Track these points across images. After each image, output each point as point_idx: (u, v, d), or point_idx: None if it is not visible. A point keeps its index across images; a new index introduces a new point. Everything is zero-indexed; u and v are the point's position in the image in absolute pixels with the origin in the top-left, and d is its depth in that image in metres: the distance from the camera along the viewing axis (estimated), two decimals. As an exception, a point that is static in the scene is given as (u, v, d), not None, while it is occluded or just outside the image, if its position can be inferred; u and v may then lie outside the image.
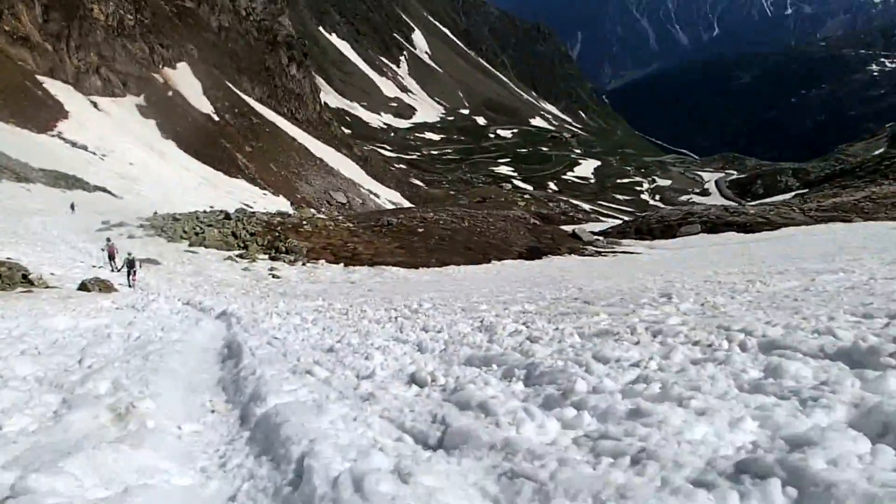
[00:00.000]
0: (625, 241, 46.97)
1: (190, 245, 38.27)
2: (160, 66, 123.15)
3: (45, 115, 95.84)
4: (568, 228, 55.09)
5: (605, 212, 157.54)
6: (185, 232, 41.36)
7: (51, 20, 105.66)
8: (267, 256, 36.91)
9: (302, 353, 7.65)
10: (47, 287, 19.75)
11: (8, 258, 22.63)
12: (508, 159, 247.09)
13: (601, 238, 49.14)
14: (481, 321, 10.21)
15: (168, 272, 29.95)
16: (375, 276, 31.70)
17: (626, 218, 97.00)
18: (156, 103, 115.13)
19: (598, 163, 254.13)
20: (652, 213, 55.77)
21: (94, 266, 28.99)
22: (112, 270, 28.36)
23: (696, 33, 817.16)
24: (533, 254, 40.07)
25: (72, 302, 16.20)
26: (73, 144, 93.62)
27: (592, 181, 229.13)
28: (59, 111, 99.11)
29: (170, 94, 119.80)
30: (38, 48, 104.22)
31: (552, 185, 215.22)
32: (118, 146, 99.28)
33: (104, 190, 78.07)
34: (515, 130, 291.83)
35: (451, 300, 16.78)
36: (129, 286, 25.19)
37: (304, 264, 35.32)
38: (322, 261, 36.18)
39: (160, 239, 39.74)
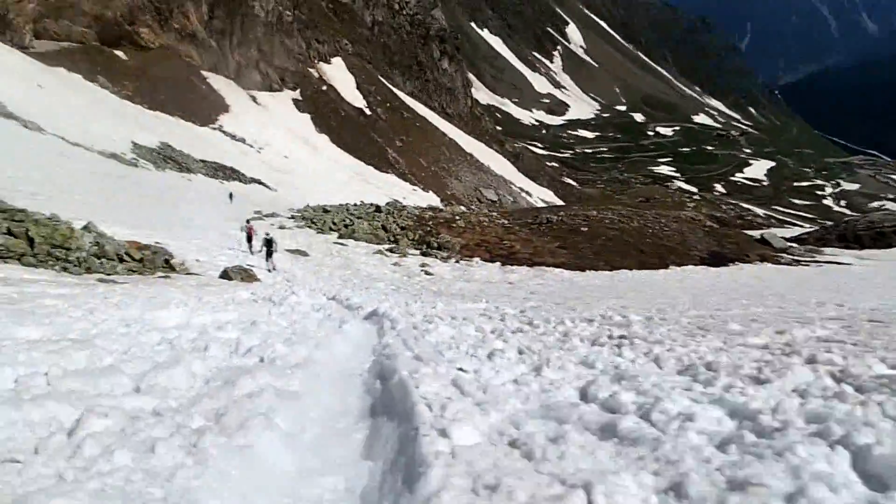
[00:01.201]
0: (826, 250, 40.42)
1: (339, 237, 36.21)
2: (316, 61, 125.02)
3: (207, 109, 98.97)
4: (751, 234, 48.80)
5: (783, 217, 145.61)
6: (334, 224, 39.49)
7: (215, 17, 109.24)
8: (418, 252, 34.06)
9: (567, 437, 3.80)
10: (188, 273, 17.57)
11: (157, 242, 20.86)
12: (669, 159, 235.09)
13: (795, 245, 42.74)
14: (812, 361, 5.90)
15: (316, 264, 27.64)
16: (536, 278, 27.98)
17: (807, 225, 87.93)
18: (311, 97, 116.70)
19: (772, 163, 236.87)
20: (857, 219, 48.30)
21: (230, 249, 27.77)
22: (251, 253, 27.35)
23: (887, 21, 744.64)
24: (717, 260, 34.85)
25: (208, 290, 13.82)
26: (233, 137, 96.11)
27: (765, 184, 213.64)
28: (220, 105, 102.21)
29: (324, 88, 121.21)
30: (204, 44, 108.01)
31: (719, 188, 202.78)
32: (274, 139, 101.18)
33: (259, 182, 79.13)
34: (677, 128, 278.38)
35: (656, 312, 12.67)
36: (269, 270, 24.10)
37: (457, 261, 32.16)
38: (476, 259, 32.89)
39: (310, 230, 38.05)
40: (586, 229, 39.10)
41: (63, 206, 25.32)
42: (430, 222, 40.32)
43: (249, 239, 28.44)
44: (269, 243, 25.24)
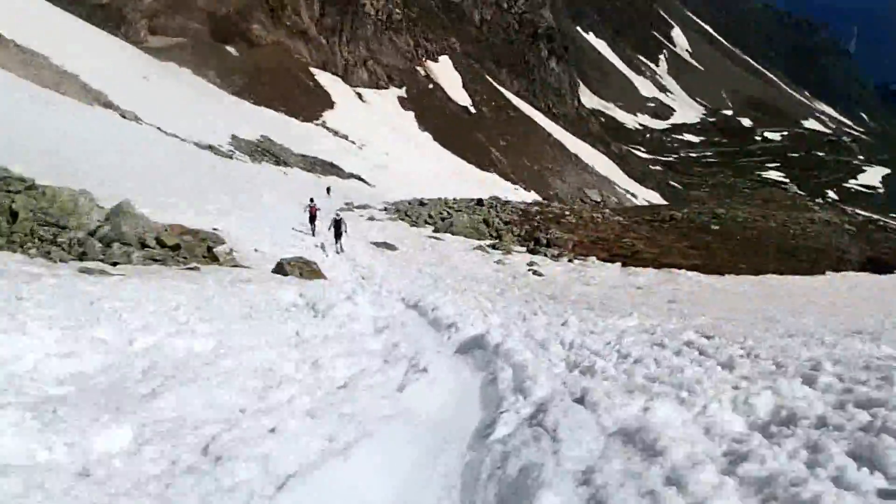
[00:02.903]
0: None
1: (435, 230, 32.71)
2: (423, 59, 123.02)
3: (313, 105, 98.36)
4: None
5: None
6: (430, 216, 36.14)
7: (326, 15, 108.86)
8: (524, 249, 30.15)
9: None
10: (235, 265, 14.34)
11: (214, 229, 18.01)
12: (778, 164, 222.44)
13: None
14: None
15: (404, 259, 23.92)
16: (668, 282, 23.51)
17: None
18: (416, 96, 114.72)
19: (887, 170, 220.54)
20: None
21: (293, 228, 26.11)
22: (312, 235, 25.79)
23: None
24: (879, 266, 29.39)
25: (235, 290, 10.21)
26: (335, 133, 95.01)
27: (881, 191, 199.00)
28: (326, 101, 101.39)
29: (430, 86, 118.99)
30: (314, 41, 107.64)
31: (831, 194, 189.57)
32: (377, 136, 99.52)
33: (358, 178, 77.52)
34: (785, 133, 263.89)
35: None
36: (337, 252, 22.72)
37: (570, 261, 27.99)
38: (592, 258, 28.64)
39: (403, 223, 34.77)
40: (717, 227, 34.19)
41: (124, 189, 22.98)
42: (538, 217, 36.35)
43: (313, 219, 26.58)
44: (337, 224, 23.53)
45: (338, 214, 24.43)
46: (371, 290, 14.42)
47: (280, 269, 14.74)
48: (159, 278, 10.12)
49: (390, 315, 10.36)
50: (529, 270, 24.82)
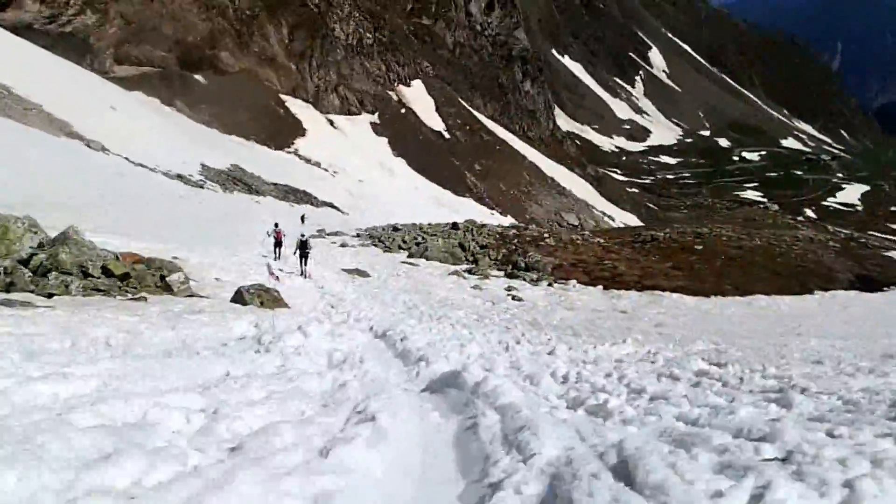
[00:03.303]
0: None
1: (409, 256, 31.45)
2: (395, 84, 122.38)
3: (284, 133, 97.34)
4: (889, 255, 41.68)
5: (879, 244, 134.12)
6: (404, 242, 34.91)
7: (295, 40, 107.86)
8: (502, 273, 28.94)
9: None
10: (191, 295, 13.05)
11: (174, 258, 16.74)
12: (756, 184, 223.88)
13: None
14: None
15: (376, 286, 22.58)
16: (653, 305, 22.45)
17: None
18: (389, 121, 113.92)
19: (866, 188, 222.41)
20: None
21: (261, 255, 25.67)
22: (275, 259, 25.22)
23: None
24: (868, 284, 28.46)
25: (179, 322, 8.88)
26: (308, 161, 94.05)
27: (860, 208, 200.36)
28: (297, 129, 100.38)
29: (403, 111, 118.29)
30: (283, 68, 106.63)
31: (810, 212, 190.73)
32: (350, 163, 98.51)
33: (331, 206, 76.42)
34: (763, 152, 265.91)
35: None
36: (303, 275, 22.22)
37: (550, 284, 26.81)
38: (573, 281, 27.47)
39: (376, 249, 33.53)
40: (701, 247, 33.19)
41: (80, 217, 21.64)
42: (516, 241, 35.18)
43: (278, 244, 25.83)
44: (303, 245, 22.79)
45: (303, 235, 23.57)
46: (339, 319, 13.25)
47: (239, 297, 13.49)
48: (94, 310, 8.80)
49: (351, 347, 9.10)
50: (508, 295, 23.64)
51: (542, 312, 19.87)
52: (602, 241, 37.28)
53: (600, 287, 26.39)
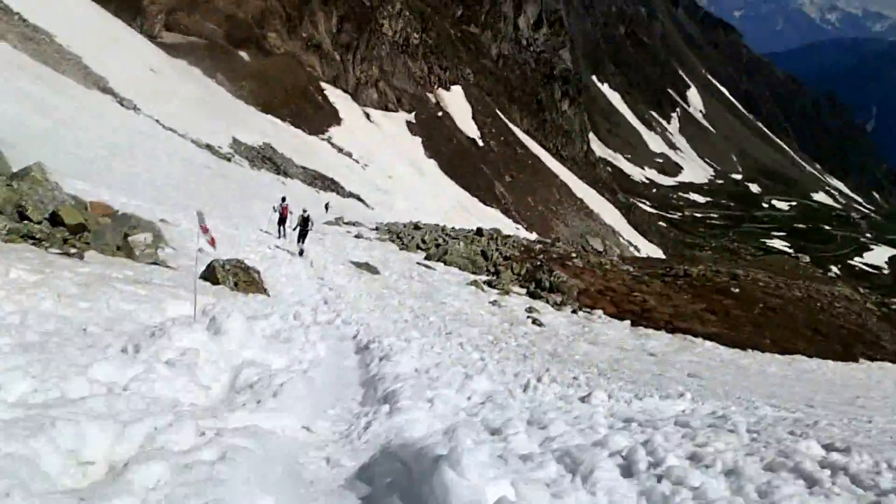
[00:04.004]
0: None
1: (427, 258, 29.70)
2: (435, 87, 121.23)
3: (319, 119, 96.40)
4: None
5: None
6: (423, 241, 33.32)
7: (343, 31, 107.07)
8: (524, 291, 27.24)
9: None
10: (152, 263, 11.21)
11: (162, 220, 15.33)
12: (784, 233, 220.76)
13: None
14: None
15: (384, 286, 20.70)
16: (685, 352, 20.66)
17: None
18: (425, 122, 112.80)
19: (894, 251, 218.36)
20: None
21: (261, 230, 25.02)
22: (279, 237, 24.61)
23: None
24: (914, 356, 26.43)
25: (86, 294, 7.11)
26: (340, 150, 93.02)
27: (886, 272, 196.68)
28: (333, 117, 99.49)
29: (440, 114, 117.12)
30: (328, 56, 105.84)
31: (835, 269, 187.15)
32: (382, 158, 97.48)
33: (357, 198, 75.32)
34: (794, 203, 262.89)
35: None
36: (300, 253, 21.71)
37: (574, 311, 25.00)
38: (598, 311, 25.67)
39: (392, 245, 31.86)
40: (738, 291, 31.32)
41: (82, 168, 20.58)
42: (541, 256, 33.60)
43: (282, 221, 25.07)
44: (304, 222, 22.25)
45: (304, 211, 22.84)
46: (325, 318, 11.43)
47: (210, 274, 11.66)
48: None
49: (289, 362, 6.79)
50: (529, 318, 21.87)
51: (563, 343, 18.13)
52: (631, 269, 35.56)
53: (628, 322, 24.51)
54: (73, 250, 9.40)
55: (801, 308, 30.29)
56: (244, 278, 11.85)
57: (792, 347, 23.31)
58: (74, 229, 10.02)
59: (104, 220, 11.09)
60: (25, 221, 9.42)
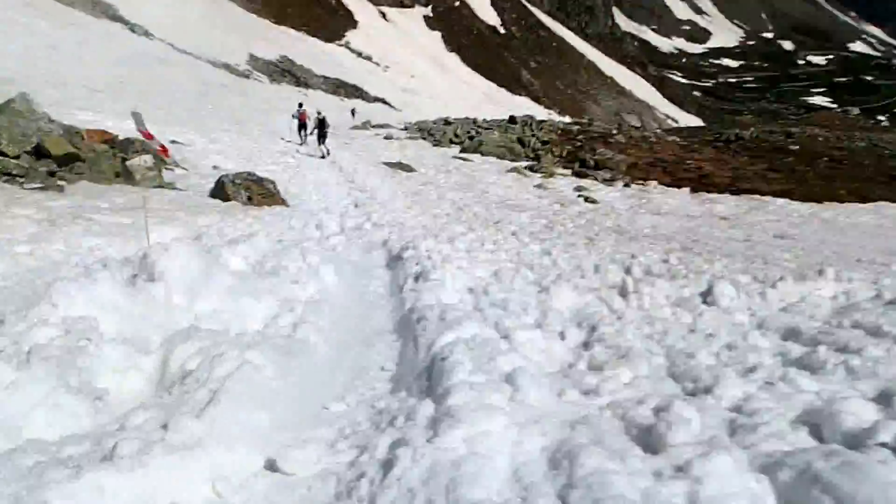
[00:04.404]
0: None
1: (462, 151, 28.32)
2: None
3: (335, 25, 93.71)
4: None
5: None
6: (456, 135, 31.92)
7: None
8: (569, 172, 25.78)
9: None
10: (160, 186, 10.20)
11: (173, 141, 14.23)
12: (823, 89, 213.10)
13: None
14: None
15: (421, 182, 19.29)
16: (756, 211, 19.14)
17: None
18: (442, 14, 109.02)
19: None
20: None
21: (283, 139, 24.55)
22: (300, 144, 24.08)
23: None
24: None
25: (68, 232, 6.11)
26: (359, 55, 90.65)
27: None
28: (348, 21, 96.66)
29: (457, 4, 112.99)
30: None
31: (881, 119, 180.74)
32: (402, 58, 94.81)
33: (383, 101, 73.67)
34: (830, 57, 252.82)
35: None
36: (323, 156, 21.50)
37: (626, 185, 23.57)
38: (653, 182, 24.15)
39: (424, 142, 30.64)
40: (796, 147, 29.49)
41: (88, 99, 19.57)
42: (580, 136, 31.95)
43: (302, 127, 24.50)
44: (321, 123, 21.78)
45: (319, 113, 22.39)
46: (352, 223, 9.98)
47: (219, 190, 10.44)
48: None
49: (284, 307, 4.68)
50: (580, 196, 20.47)
51: (624, 217, 16.71)
52: (678, 139, 33.76)
53: (686, 189, 23.15)
54: (60, 182, 8.42)
55: (868, 157, 28.39)
56: (258, 191, 10.60)
57: (871, 195, 21.71)
58: (63, 160, 9.07)
59: (100, 148, 10.03)
60: (2, 157, 8.33)
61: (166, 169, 11.61)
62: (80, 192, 8.47)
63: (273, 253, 6.23)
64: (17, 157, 8.47)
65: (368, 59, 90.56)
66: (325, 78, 72.49)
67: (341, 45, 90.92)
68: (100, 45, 39.52)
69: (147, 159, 10.14)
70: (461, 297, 5.31)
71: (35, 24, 36.67)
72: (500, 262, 6.94)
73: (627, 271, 6.48)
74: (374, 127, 37.65)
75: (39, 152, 8.91)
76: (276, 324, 4.30)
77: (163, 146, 6.63)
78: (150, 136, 6.20)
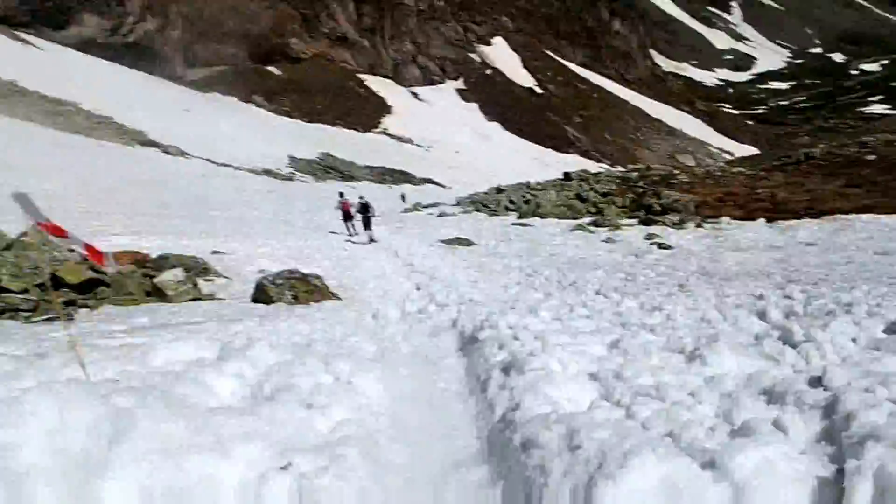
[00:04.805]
0: None
1: (519, 217, 26.99)
2: (475, 45, 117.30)
3: (368, 113, 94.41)
4: None
5: None
6: (511, 202, 30.56)
7: (364, 15, 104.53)
8: (635, 221, 23.77)
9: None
10: (195, 299, 9.25)
11: (214, 251, 13.76)
12: (881, 96, 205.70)
13: None
14: None
15: (483, 255, 18.16)
16: (841, 232, 17.34)
17: None
18: (475, 84, 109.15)
19: None
20: None
21: (331, 233, 23.72)
22: (350, 234, 22.97)
23: None
24: None
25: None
26: (399, 139, 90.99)
27: None
28: (381, 107, 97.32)
29: (488, 72, 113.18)
30: (356, 45, 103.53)
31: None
32: (442, 135, 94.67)
33: (431, 181, 73.19)
34: (885, 62, 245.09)
35: None
36: (370, 241, 20.81)
37: (698, 225, 21.62)
38: (725, 218, 22.25)
39: (479, 214, 29.51)
40: (873, 158, 26.65)
41: (126, 223, 18.46)
42: (641, 182, 29.61)
43: (347, 217, 23.25)
44: (364, 208, 21.56)
45: (361, 198, 22.15)
46: (413, 308, 8.94)
47: (262, 293, 9.33)
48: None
49: (293, 448, 2.96)
50: (652, 244, 18.83)
51: (706, 259, 15.29)
52: (743, 169, 31.31)
53: (762, 220, 21.13)
54: (79, 310, 7.91)
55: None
56: (303, 288, 9.73)
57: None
58: (82, 287, 8.73)
59: (127, 269, 9.58)
60: (3, 294, 7.94)
61: (206, 280, 10.91)
62: (98, 317, 7.85)
63: (284, 364, 4.34)
64: (22, 292, 8.06)
65: (409, 141, 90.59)
66: (370, 168, 72.36)
67: (379, 133, 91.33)
68: (135, 171, 39.16)
69: (178, 273, 9.49)
70: (583, 390, 3.71)
71: (68, 160, 36.51)
72: (609, 330, 5.46)
73: (762, 316, 5.24)
74: (424, 207, 37.06)
75: (57, 282, 8.50)
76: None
77: (90, 246, 4.37)
78: (59, 232, 4.31)
